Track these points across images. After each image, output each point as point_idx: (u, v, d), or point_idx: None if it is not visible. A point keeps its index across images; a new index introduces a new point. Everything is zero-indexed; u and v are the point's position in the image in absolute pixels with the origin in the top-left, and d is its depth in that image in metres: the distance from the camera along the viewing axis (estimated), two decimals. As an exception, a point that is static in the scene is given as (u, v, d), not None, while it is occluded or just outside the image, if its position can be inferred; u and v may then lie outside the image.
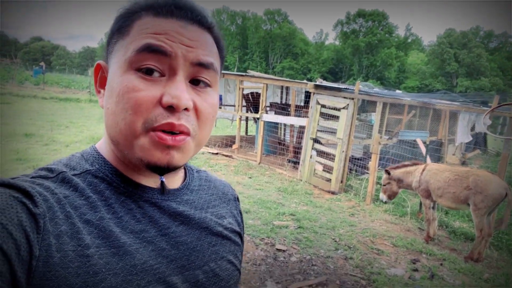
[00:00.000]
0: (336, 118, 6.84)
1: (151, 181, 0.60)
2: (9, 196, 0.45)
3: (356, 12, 64.22)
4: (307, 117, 7.41)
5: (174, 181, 0.65)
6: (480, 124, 12.59)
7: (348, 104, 6.50)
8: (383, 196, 5.16)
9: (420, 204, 5.75)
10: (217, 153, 9.21)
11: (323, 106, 6.97)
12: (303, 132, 7.95)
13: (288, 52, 62.85)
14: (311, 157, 7.14)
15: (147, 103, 0.51)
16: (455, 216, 5.76)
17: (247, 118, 11.27)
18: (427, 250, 4.46)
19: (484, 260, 4.32)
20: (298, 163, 7.82)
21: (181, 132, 0.52)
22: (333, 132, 6.96)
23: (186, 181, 0.67)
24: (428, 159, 7.97)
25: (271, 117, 8.07)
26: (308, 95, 7.91)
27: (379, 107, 6.82)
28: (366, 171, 8.09)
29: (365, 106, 9.98)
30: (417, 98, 8.47)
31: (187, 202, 0.64)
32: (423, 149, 9.11)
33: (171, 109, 0.51)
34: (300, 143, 7.95)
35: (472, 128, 12.11)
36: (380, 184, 6.65)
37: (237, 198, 0.79)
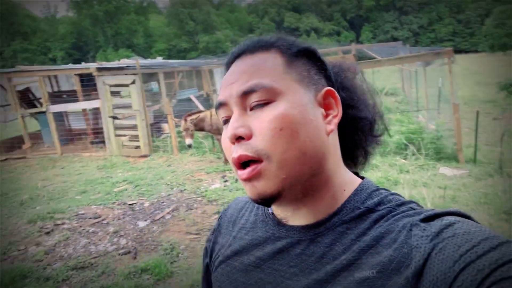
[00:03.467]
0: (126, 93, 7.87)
1: (289, 218, 0.58)
2: None
3: (84, -20, 60.17)
4: (98, 98, 8.07)
5: (311, 213, 0.56)
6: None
7: (134, 80, 7.60)
8: (189, 140, 6.67)
9: (213, 142, 7.74)
10: (5, 159, 8.61)
11: (111, 85, 7.80)
12: (96, 113, 8.57)
13: (15, 33, 54.03)
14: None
15: (227, 148, 0.55)
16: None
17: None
18: (228, 168, 6.47)
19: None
20: (102, 142, 8.50)
21: (253, 161, 0.51)
22: (127, 106, 7.97)
23: (331, 215, 0.55)
24: (201, 107, 10.09)
25: (62, 106, 8.23)
26: (82, 79, 8.35)
27: (161, 76, 8.25)
28: (162, 132, 9.55)
29: (145, 78, 11.17)
30: (185, 64, 10.30)
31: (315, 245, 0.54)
32: (197, 103, 11.25)
33: (233, 142, 0.53)
34: (97, 124, 8.55)
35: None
36: (180, 136, 8.31)
37: (413, 225, 0.48)
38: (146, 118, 7.81)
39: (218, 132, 6.64)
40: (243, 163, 0.52)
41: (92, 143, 8.71)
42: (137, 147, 7.99)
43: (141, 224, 4.50)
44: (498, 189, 4.84)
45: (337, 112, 0.57)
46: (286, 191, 0.52)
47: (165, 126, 10.02)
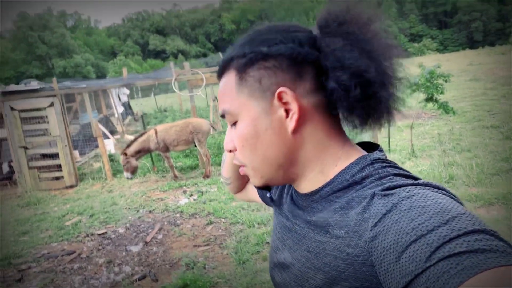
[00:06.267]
0: (40, 118, 6.90)
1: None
2: None
3: None
4: (1, 127, 6.86)
5: (304, 187, 0.64)
6: (122, 95, 15.03)
7: (53, 102, 6.74)
8: (128, 174, 6.18)
9: (152, 162, 7.36)
10: None
11: (22, 111, 6.74)
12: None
13: None
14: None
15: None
16: (177, 159, 7.79)
17: None
18: (182, 184, 6.28)
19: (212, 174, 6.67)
20: (7, 178, 7.22)
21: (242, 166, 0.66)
22: (42, 133, 6.98)
23: (323, 186, 0.61)
24: (106, 131, 9.41)
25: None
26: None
27: (86, 97, 7.46)
28: (76, 159, 8.55)
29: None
30: (113, 82, 9.46)
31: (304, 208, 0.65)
32: (101, 127, 10.44)
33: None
34: (-1, 157, 7.21)
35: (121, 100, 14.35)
36: (112, 160, 7.68)
37: (376, 194, 0.52)
38: (69, 143, 6.96)
39: (166, 148, 6.39)
40: None
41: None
42: (59, 178, 7.03)
43: (134, 249, 4.11)
44: (422, 168, 5.97)
45: (294, 108, 0.57)
46: (269, 183, 0.65)
47: (75, 153, 9.00)
